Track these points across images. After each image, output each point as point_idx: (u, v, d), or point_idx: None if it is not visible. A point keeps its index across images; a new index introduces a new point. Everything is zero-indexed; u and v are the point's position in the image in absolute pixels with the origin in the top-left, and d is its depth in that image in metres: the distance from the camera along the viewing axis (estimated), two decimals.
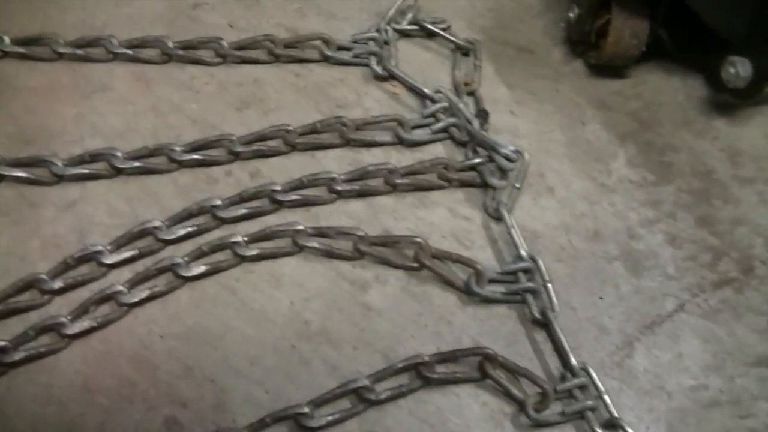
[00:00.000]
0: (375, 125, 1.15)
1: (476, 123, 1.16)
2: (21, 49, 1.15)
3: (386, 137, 1.14)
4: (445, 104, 1.19)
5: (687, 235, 1.13)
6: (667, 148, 1.25)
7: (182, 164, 1.06)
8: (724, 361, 1.01)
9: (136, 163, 1.04)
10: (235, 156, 1.07)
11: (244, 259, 0.97)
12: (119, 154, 1.04)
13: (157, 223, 0.96)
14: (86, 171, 1.03)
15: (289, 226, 0.99)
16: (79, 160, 1.03)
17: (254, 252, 0.97)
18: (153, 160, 1.06)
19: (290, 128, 1.10)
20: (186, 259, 0.98)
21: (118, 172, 1.03)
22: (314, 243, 0.98)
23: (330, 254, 0.99)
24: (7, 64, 1.15)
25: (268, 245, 0.99)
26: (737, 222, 1.15)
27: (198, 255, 0.99)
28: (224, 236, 0.98)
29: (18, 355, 0.87)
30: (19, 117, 1.04)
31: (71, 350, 0.88)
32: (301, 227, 0.98)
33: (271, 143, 1.10)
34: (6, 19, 1.20)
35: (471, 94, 1.25)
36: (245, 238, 0.98)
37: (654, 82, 1.34)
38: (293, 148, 1.10)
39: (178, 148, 1.05)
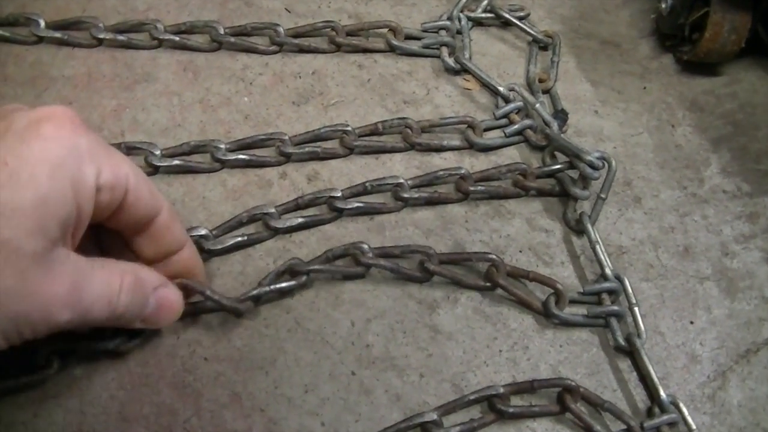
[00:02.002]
0: (443, 127, 1.11)
1: (555, 125, 1.11)
2: (57, 34, 1.12)
3: (455, 141, 1.11)
4: (520, 104, 1.15)
5: None
6: (764, 155, 1.21)
7: (226, 164, 1.02)
8: None
9: (176, 161, 1.01)
10: (287, 157, 1.04)
11: (305, 285, 0.93)
12: (157, 151, 1.00)
13: (203, 231, 0.92)
14: None
15: (353, 247, 0.94)
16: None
17: (315, 266, 0.93)
18: (195, 159, 1.02)
19: (348, 129, 1.06)
20: None
21: (155, 170, 0.99)
22: (381, 262, 0.93)
23: (396, 273, 0.95)
24: (41, 50, 1.12)
25: (330, 267, 0.94)
26: None
27: None
28: (284, 263, 0.93)
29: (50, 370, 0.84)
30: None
31: (104, 372, 0.84)
32: (365, 246, 0.94)
33: (327, 145, 1.07)
34: (40, 0, 1.16)
35: (546, 91, 1.20)
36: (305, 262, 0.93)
37: (750, 82, 1.30)
38: (351, 150, 1.06)
39: (222, 146, 1.02)
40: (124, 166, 0.73)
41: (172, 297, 0.84)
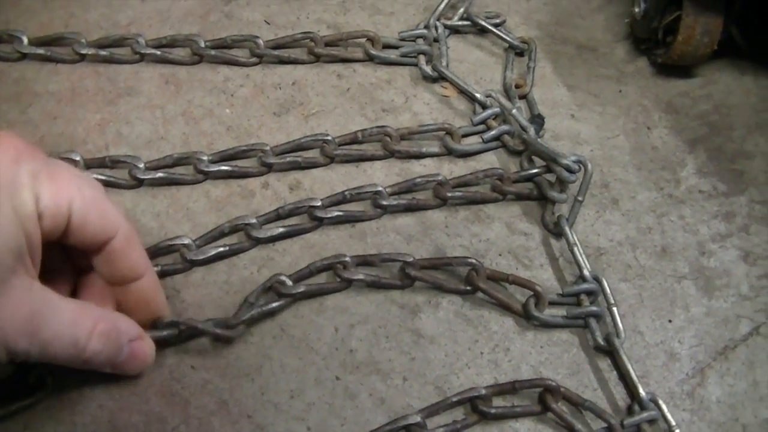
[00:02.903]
0: (422, 135, 1.12)
1: (531, 130, 1.12)
2: (40, 50, 1.13)
3: (434, 148, 1.12)
4: (497, 110, 1.16)
5: (762, 250, 1.11)
6: (739, 155, 1.22)
7: (209, 175, 1.03)
8: None
9: (159, 174, 1.02)
10: (269, 168, 1.05)
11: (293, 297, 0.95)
12: (141, 164, 1.01)
13: (186, 241, 0.93)
14: (104, 178, 1.00)
15: (335, 259, 0.95)
16: (100, 163, 1.01)
17: (301, 289, 0.94)
18: (178, 171, 1.03)
19: (329, 138, 1.07)
20: None
21: (140, 182, 1.00)
22: (360, 275, 0.95)
23: (378, 285, 0.96)
24: (25, 66, 1.13)
25: (313, 282, 0.96)
26: None
27: None
28: (269, 279, 0.94)
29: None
30: (39, 124, 1.02)
31: (94, 383, 0.84)
32: (347, 259, 0.95)
33: (308, 154, 1.08)
34: (24, 16, 1.18)
35: (523, 97, 1.21)
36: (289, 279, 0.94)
37: (724, 83, 1.31)
38: (332, 159, 1.07)
39: (205, 158, 1.02)
40: (68, 191, 0.73)
41: (146, 350, 0.84)
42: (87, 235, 0.75)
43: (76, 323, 0.74)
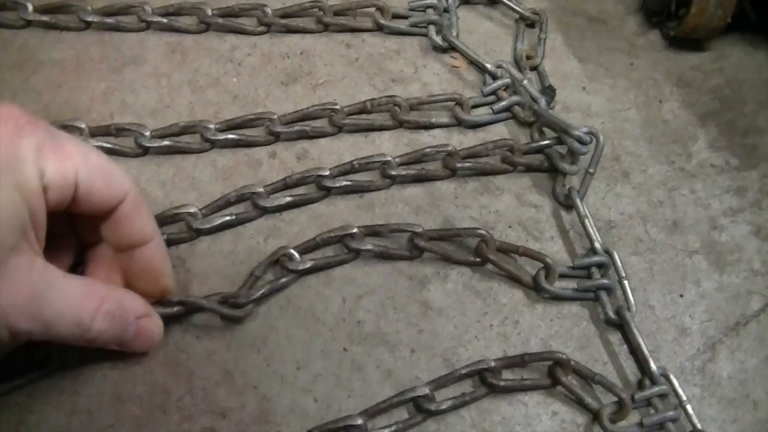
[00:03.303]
0: (431, 105, 1.10)
1: (542, 101, 1.11)
2: (45, 18, 1.11)
3: (444, 118, 1.10)
4: (508, 81, 1.14)
5: None
6: (751, 130, 1.20)
7: (216, 144, 1.02)
8: None
9: (165, 142, 1.00)
10: (276, 137, 1.03)
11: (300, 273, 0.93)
12: (146, 132, 0.99)
13: (192, 210, 0.92)
14: (109, 146, 0.98)
15: (343, 230, 0.94)
16: (105, 131, 1.00)
17: (308, 265, 0.93)
18: (184, 139, 1.02)
19: (337, 107, 1.05)
20: None
21: (145, 151, 0.99)
22: (368, 245, 0.93)
23: (386, 256, 0.95)
24: (29, 34, 1.11)
25: (320, 255, 0.94)
26: None
27: None
28: (275, 251, 0.93)
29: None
30: (43, 92, 1.00)
31: (98, 354, 0.82)
32: (354, 230, 0.94)
33: (316, 123, 1.06)
34: None
35: (534, 68, 1.20)
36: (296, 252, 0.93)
37: (736, 57, 1.29)
38: (340, 129, 1.06)
39: (211, 127, 1.01)
40: (73, 160, 0.71)
41: (153, 328, 0.83)
42: (94, 202, 0.74)
43: (80, 303, 0.72)
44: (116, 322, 0.76)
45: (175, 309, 0.86)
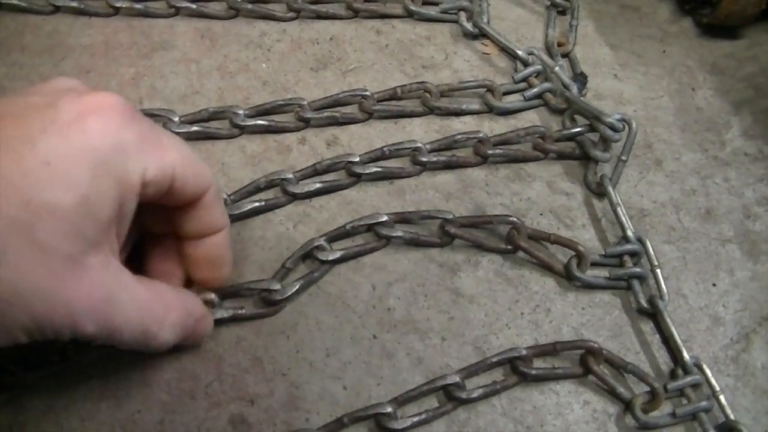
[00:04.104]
0: (462, 91, 1.09)
1: (574, 88, 1.09)
2: (74, 3, 1.11)
3: (474, 105, 1.09)
4: (539, 67, 1.13)
5: None
6: None
7: (246, 130, 1.01)
8: None
9: (194, 128, 0.99)
10: (306, 123, 1.02)
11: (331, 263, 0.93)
12: (176, 118, 0.99)
13: (221, 195, 0.91)
14: None
15: (372, 219, 0.93)
16: None
17: (337, 255, 0.92)
18: (213, 125, 1.01)
19: (367, 93, 1.04)
20: None
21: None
22: (398, 232, 0.93)
23: (417, 243, 0.94)
24: (59, 19, 1.10)
25: (350, 243, 0.94)
26: None
27: None
28: (306, 243, 0.92)
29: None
30: (72, 78, 0.99)
31: None
32: (384, 218, 0.93)
33: (346, 110, 1.05)
34: None
35: (566, 55, 1.19)
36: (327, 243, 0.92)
37: None
38: (370, 115, 1.05)
39: (241, 112, 1.00)
40: (171, 155, 0.69)
41: (208, 327, 0.83)
42: (187, 193, 0.73)
43: (149, 310, 0.71)
44: (182, 330, 0.76)
45: (217, 313, 0.86)
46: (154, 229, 0.80)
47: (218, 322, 0.86)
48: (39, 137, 0.61)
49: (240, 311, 0.87)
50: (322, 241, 0.92)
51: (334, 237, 0.94)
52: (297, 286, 0.89)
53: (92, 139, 0.63)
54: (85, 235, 0.62)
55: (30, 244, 0.59)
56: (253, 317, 0.88)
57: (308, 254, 0.92)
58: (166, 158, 0.69)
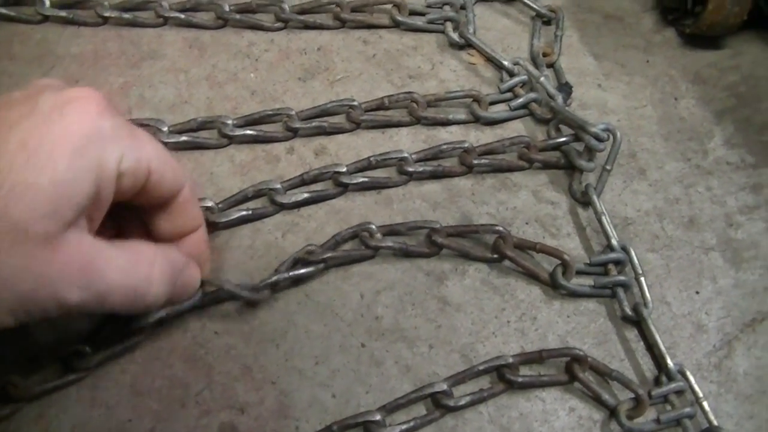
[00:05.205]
0: (449, 101, 1.10)
1: (559, 98, 1.10)
2: (62, 13, 1.11)
3: (461, 115, 1.10)
4: (525, 78, 1.14)
5: None
6: (767, 127, 1.19)
7: (234, 139, 1.02)
8: None
9: (183, 138, 1.00)
10: (294, 133, 1.03)
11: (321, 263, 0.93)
12: (165, 128, 0.99)
13: (209, 203, 0.92)
14: None
15: (361, 228, 0.94)
16: None
17: (328, 254, 0.93)
18: (202, 135, 1.02)
19: (355, 103, 1.05)
20: None
21: (164, 146, 0.96)
22: (387, 243, 0.93)
23: (405, 253, 0.95)
24: (47, 29, 1.11)
25: (342, 256, 0.94)
26: None
27: None
28: (302, 248, 0.93)
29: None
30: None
31: (117, 347, 0.83)
32: (372, 227, 0.94)
33: (334, 120, 1.06)
34: None
35: (551, 65, 1.19)
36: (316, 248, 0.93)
37: (753, 54, 1.29)
38: (358, 125, 1.06)
39: (230, 122, 1.01)
40: (147, 149, 0.71)
41: (195, 275, 0.83)
42: (161, 191, 0.74)
43: (133, 270, 0.72)
44: (170, 282, 0.76)
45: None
46: (130, 235, 0.81)
47: (204, 326, 0.88)
48: (18, 122, 0.63)
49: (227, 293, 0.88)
50: (313, 246, 0.94)
51: (324, 249, 0.94)
52: (278, 276, 0.91)
53: (70, 125, 0.64)
54: (60, 215, 0.63)
55: (6, 224, 0.61)
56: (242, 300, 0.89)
57: (301, 259, 0.93)
58: (143, 150, 0.70)
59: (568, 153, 1.06)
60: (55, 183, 0.62)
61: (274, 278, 0.90)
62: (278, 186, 0.96)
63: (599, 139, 1.03)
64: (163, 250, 0.77)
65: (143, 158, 0.70)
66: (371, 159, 1.01)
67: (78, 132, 0.64)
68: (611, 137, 1.03)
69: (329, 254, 0.93)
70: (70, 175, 0.63)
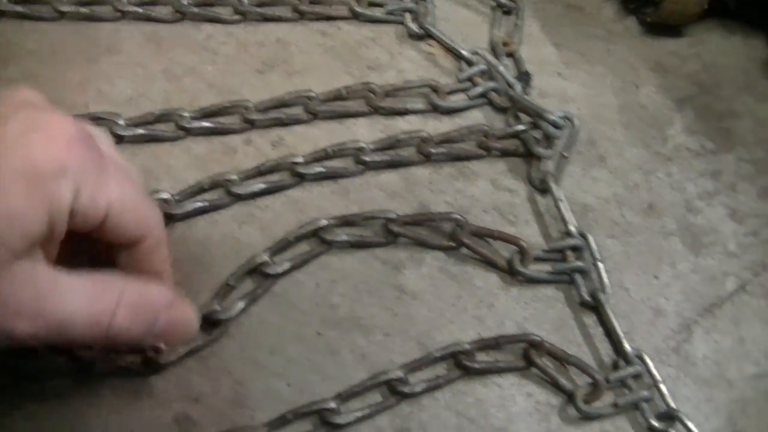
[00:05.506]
0: (407, 91, 1.10)
1: (518, 87, 1.10)
2: (19, 8, 1.10)
3: (419, 104, 1.10)
4: (483, 67, 1.14)
5: (749, 208, 1.11)
6: (728, 114, 1.21)
7: (191, 132, 1.01)
8: None
9: (140, 130, 1.00)
10: (251, 124, 1.03)
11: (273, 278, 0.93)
12: (121, 121, 0.99)
13: (165, 195, 0.92)
14: None
15: (312, 225, 0.94)
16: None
17: (281, 269, 0.92)
18: (159, 127, 1.01)
19: (312, 94, 1.05)
20: None
21: (120, 139, 0.98)
22: (342, 236, 0.94)
23: (361, 245, 0.95)
24: (4, 24, 1.10)
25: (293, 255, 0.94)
26: None
27: None
28: (249, 259, 0.92)
29: None
30: (18, 83, 0.98)
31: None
32: (325, 223, 0.94)
33: (291, 110, 1.05)
34: None
35: (510, 55, 1.19)
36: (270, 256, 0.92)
37: (713, 43, 1.30)
38: (315, 116, 1.06)
39: (186, 114, 1.01)
40: (110, 190, 0.68)
41: (185, 316, 0.78)
42: (119, 235, 0.71)
43: (96, 299, 0.69)
44: (140, 316, 0.72)
45: None
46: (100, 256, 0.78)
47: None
48: None
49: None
50: (264, 257, 0.93)
51: (278, 250, 0.94)
52: (241, 306, 0.89)
53: (32, 156, 0.62)
54: (9, 246, 0.61)
55: None
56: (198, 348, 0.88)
57: (253, 271, 0.92)
58: (103, 193, 0.67)
59: (527, 141, 1.07)
60: (5, 215, 0.60)
61: (237, 311, 0.89)
62: (234, 177, 0.96)
63: (557, 126, 1.04)
64: (138, 284, 0.74)
65: (101, 200, 0.67)
66: (328, 149, 1.01)
67: (39, 164, 0.62)
68: (569, 124, 1.04)
69: (283, 269, 0.92)
70: (23, 208, 0.61)
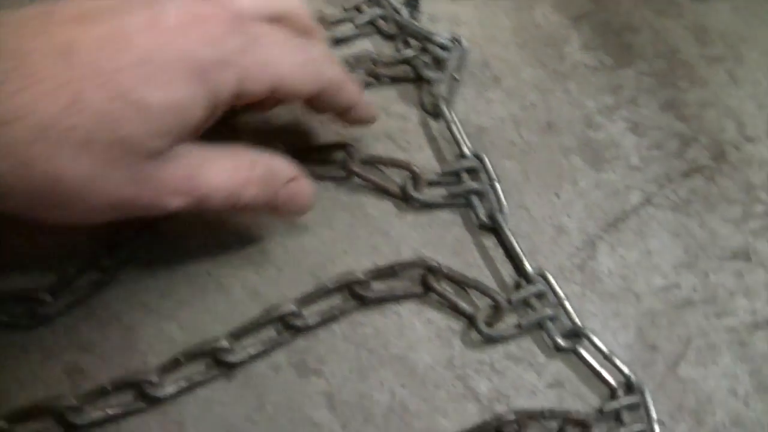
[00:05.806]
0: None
1: (405, 12, 1.08)
2: None
3: None
4: None
5: (651, 121, 1.09)
6: (626, 29, 1.19)
7: None
8: (697, 256, 0.98)
9: None
10: None
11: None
12: None
13: None
14: None
15: None
16: None
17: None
18: None
19: None
20: None
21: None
22: None
23: None
24: None
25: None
26: (705, 104, 1.11)
27: None
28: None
29: None
30: None
31: None
32: None
33: None
34: None
35: None
36: None
37: None
38: None
39: None
40: (268, 69, 0.70)
41: (304, 191, 0.82)
42: (291, 96, 0.76)
43: (234, 173, 0.72)
44: (267, 187, 0.76)
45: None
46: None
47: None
48: (137, 37, 0.62)
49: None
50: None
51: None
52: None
53: (192, 46, 0.64)
54: (171, 135, 0.64)
55: (115, 138, 0.60)
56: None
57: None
58: (265, 71, 0.70)
59: (416, 66, 1.04)
60: (170, 105, 0.62)
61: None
62: None
63: (445, 49, 1.02)
64: (266, 157, 0.78)
65: (264, 79, 0.70)
66: None
67: (200, 55, 0.64)
68: (458, 45, 1.02)
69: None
70: (187, 98, 0.63)
